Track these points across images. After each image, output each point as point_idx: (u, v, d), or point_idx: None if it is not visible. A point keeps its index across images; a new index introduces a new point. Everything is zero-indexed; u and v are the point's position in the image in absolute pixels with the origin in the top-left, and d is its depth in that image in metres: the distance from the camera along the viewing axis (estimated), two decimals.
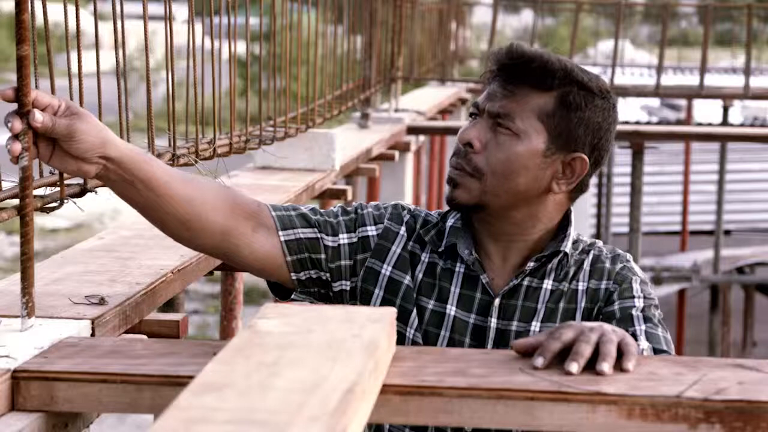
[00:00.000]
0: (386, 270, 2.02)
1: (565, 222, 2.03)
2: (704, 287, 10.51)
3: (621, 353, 1.61)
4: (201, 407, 1.20)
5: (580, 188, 2.02)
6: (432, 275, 2.01)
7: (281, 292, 2.07)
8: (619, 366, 1.59)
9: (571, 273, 2.00)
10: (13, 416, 1.58)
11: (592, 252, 2.03)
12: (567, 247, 1.99)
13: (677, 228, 12.25)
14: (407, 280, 2.01)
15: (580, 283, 1.99)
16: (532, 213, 1.99)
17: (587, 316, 1.97)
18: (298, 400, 1.23)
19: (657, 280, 10.02)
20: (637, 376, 1.57)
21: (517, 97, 1.95)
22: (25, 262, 1.77)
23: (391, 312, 1.62)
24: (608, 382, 1.54)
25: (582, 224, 11.80)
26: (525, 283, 1.99)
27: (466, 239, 2.01)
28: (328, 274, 2.02)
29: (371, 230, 2.04)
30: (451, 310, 1.99)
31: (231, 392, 1.25)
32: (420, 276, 2.01)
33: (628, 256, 2.05)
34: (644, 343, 1.82)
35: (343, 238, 2.02)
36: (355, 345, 1.45)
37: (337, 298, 2.03)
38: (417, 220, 2.06)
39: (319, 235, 2.01)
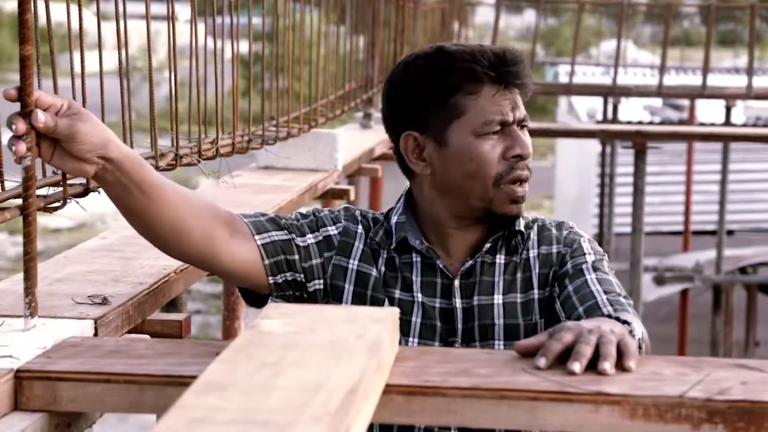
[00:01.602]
0: (353, 264, 2.07)
1: None
2: (707, 287, 10.49)
3: (621, 353, 1.61)
4: (204, 407, 1.20)
5: None
6: (393, 269, 2.07)
7: (253, 299, 2.10)
8: (620, 365, 1.59)
9: (519, 244, 2.08)
10: (16, 416, 1.58)
11: (536, 224, 2.11)
12: (521, 226, 2.06)
13: (680, 228, 12.25)
14: (374, 272, 2.06)
15: (531, 251, 2.07)
16: None
17: (543, 281, 2.05)
18: (301, 400, 1.23)
19: (660, 280, 10.01)
20: (640, 376, 1.57)
21: (520, 97, 2.04)
22: (28, 261, 1.78)
23: (394, 312, 1.63)
24: (611, 382, 1.54)
25: (585, 224, 11.81)
26: (479, 260, 2.06)
27: (413, 231, 2.07)
28: (302, 275, 2.05)
29: (332, 230, 2.08)
30: (418, 296, 2.05)
31: (234, 392, 1.25)
32: (383, 269, 2.07)
33: (571, 223, 2.14)
34: (638, 331, 1.81)
35: (310, 238, 2.07)
36: (357, 345, 1.45)
37: (312, 299, 2.07)
38: (368, 220, 2.12)
39: (290, 236, 2.05)
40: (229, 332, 3.55)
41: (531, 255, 2.07)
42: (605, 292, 1.97)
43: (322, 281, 2.06)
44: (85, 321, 1.90)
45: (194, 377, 1.32)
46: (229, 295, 3.58)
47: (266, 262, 2.02)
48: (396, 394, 1.52)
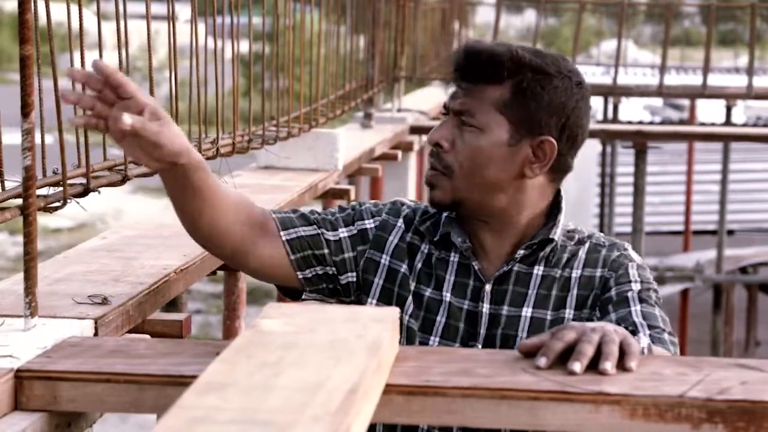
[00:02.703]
0: (385, 260, 2.07)
1: (555, 208, 2.06)
2: (707, 287, 10.50)
3: (623, 353, 1.61)
4: (204, 407, 1.20)
5: (562, 169, 2.04)
6: (429, 265, 2.06)
7: (291, 293, 2.11)
8: (621, 365, 1.59)
9: (564, 260, 2.03)
10: (16, 416, 1.58)
11: (588, 242, 2.05)
12: (556, 234, 2.01)
13: (680, 228, 12.25)
14: (404, 268, 2.06)
15: (574, 271, 2.02)
16: (514, 200, 2.02)
17: (581, 303, 2.00)
18: (301, 400, 1.23)
19: (660, 280, 9.99)
20: (640, 375, 1.57)
21: (473, 93, 1.99)
22: (29, 261, 1.78)
23: (394, 312, 1.63)
24: (611, 381, 1.54)
25: (585, 224, 11.76)
26: (516, 268, 2.02)
27: (459, 229, 2.05)
28: (333, 269, 2.06)
29: (369, 223, 2.09)
30: (447, 296, 2.03)
31: (234, 392, 1.25)
32: (419, 265, 2.06)
33: (626, 244, 2.07)
34: (644, 341, 1.81)
35: (343, 232, 2.07)
36: (358, 345, 1.45)
37: (346, 291, 2.08)
38: (416, 213, 2.10)
39: (319, 231, 2.06)
40: (230, 332, 3.54)
41: (573, 275, 2.02)
42: (650, 327, 1.91)
43: (354, 274, 2.07)
44: (85, 321, 1.90)
45: (194, 377, 1.32)
46: (229, 295, 3.58)
47: (292, 257, 2.04)
48: (396, 394, 1.52)
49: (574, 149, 2.03)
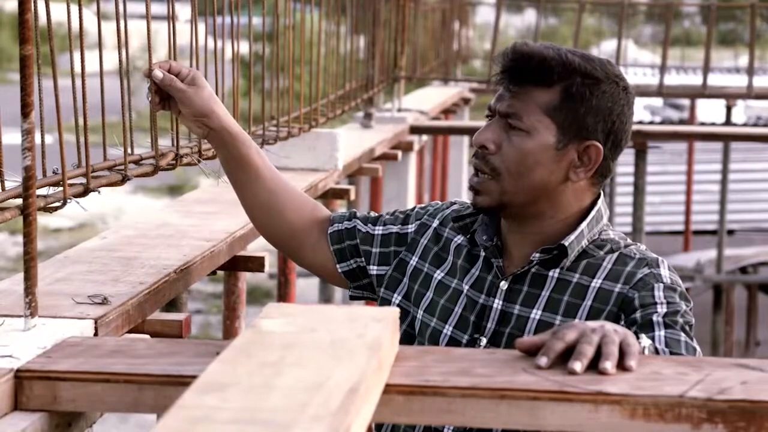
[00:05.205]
0: (414, 260, 2.13)
1: (587, 215, 2.02)
2: (707, 287, 10.49)
3: (623, 353, 1.61)
4: (204, 407, 1.20)
5: (604, 173, 2.03)
6: (458, 256, 2.09)
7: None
8: (621, 365, 1.59)
9: (583, 266, 1.99)
10: (16, 416, 1.58)
11: (619, 252, 2.00)
12: (568, 240, 1.98)
13: (680, 228, 12.24)
14: (426, 267, 2.11)
15: (593, 280, 1.98)
16: (552, 203, 2.01)
17: (594, 317, 1.94)
18: (301, 400, 1.23)
19: None
20: (640, 375, 1.57)
21: (521, 95, 1.99)
22: (28, 261, 1.78)
23: (394, 312, 1.63)
24: (611, 381, 1.54)
25: None
26: (533, 270, 2.01)
27: (488, 227, 2.06)
28: (362, 260, 2.16)
29: (411, 228, 2.17)
30: (465, 288, 2.05)
31: (234, 392, 1.25)
32: (449, 257, 2.09)
33: (660, 260, 2.00)
34: (645, 341, 1.80)
35: (378, 230, 2.17)
36: (358, 344, 1.45)
37: (374, 284, 2.16)
38: (461, 210, 2.13)
39: (354, 223, 2.18)
40: (229, 332, 3.54)
41: (592, 284, 1.98)
42: (671, 354, 1.84)
43: (381, 269, 2.15)
44: (85, 321, 1.90)
45: (194, 377, 1.32)
46: (229, 295, 3.58)
47: (331, 248, 2.17)
48: (396, 394, 1.52)
49: (617, 153, 2.04)
